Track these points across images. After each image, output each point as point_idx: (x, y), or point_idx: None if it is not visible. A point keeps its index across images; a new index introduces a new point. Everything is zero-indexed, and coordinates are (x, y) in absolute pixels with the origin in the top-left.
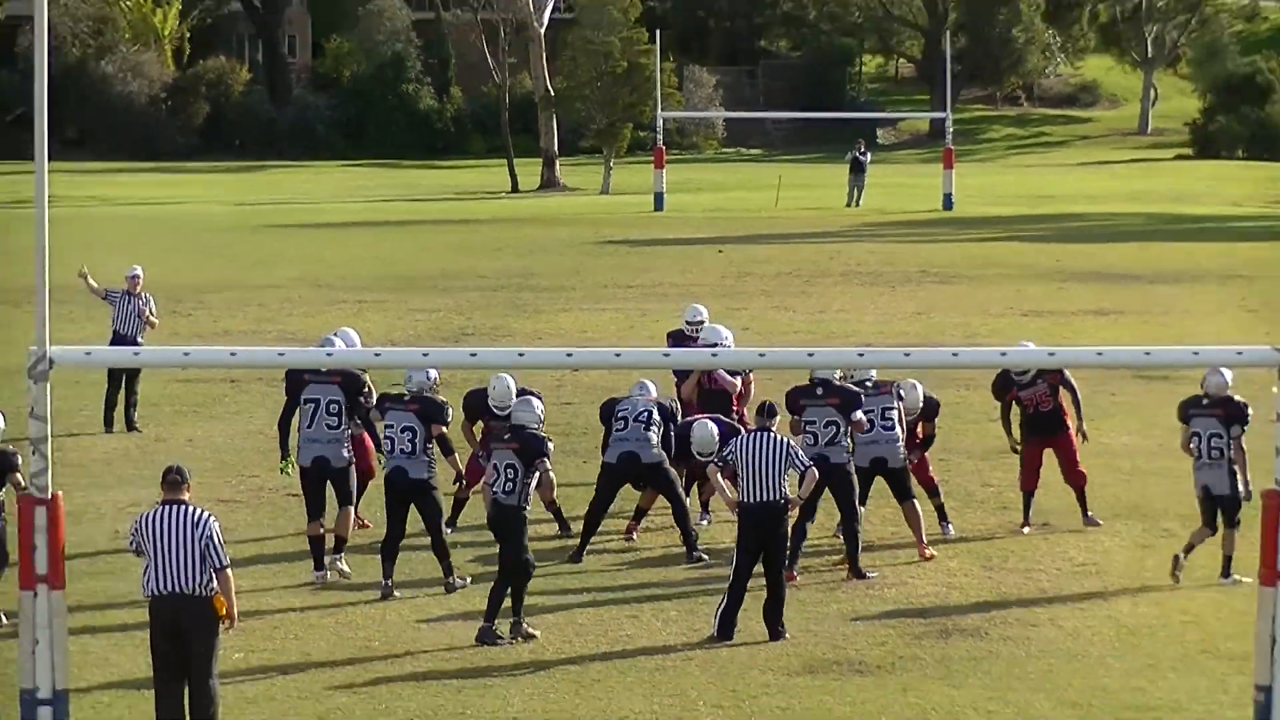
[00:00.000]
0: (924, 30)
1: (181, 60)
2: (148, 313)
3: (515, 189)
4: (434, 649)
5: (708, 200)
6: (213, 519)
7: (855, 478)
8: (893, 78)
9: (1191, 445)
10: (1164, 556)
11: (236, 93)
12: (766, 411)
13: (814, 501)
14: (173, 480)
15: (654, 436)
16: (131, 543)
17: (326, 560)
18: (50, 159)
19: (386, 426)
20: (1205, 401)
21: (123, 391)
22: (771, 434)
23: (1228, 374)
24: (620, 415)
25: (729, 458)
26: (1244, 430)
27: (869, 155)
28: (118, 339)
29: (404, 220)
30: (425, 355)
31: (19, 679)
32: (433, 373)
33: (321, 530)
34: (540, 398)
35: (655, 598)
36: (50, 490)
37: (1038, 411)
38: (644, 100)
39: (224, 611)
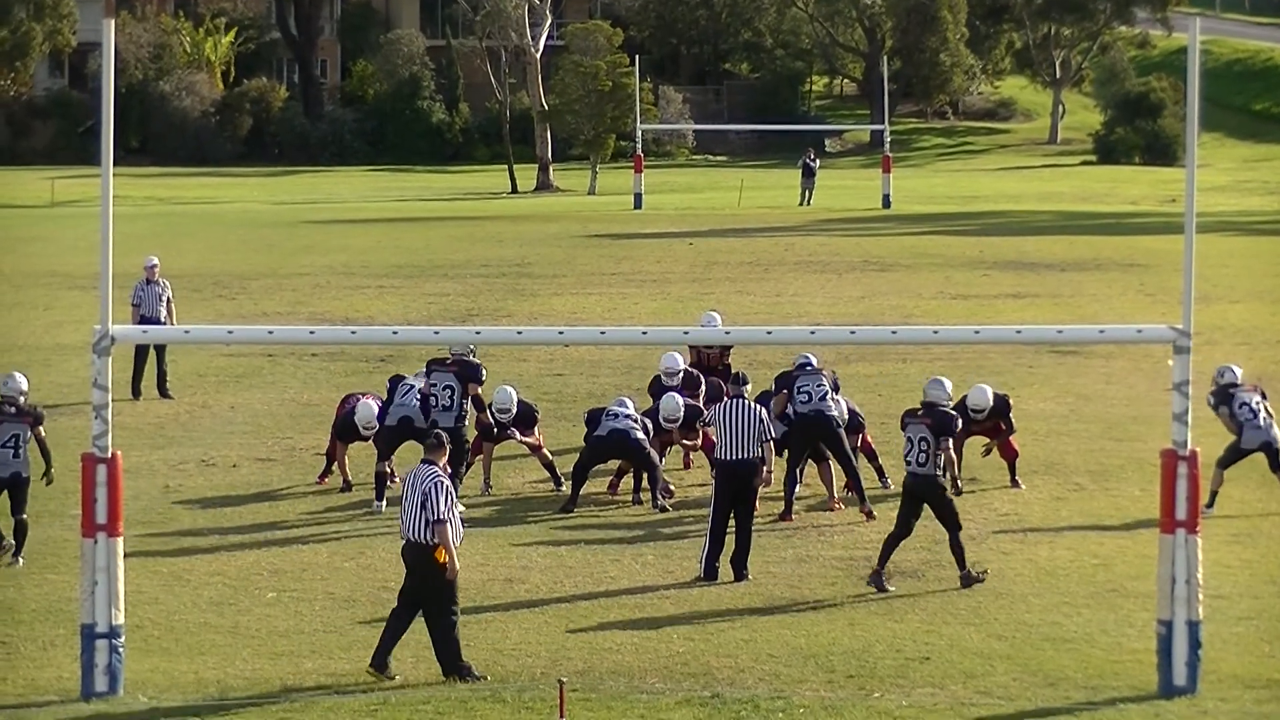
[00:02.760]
0: (864, 55)
1: (229, 80)
2: (166, 297)
3: (514, 190)
4: None
5: (680, 200)
6: (442, 478)
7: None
8: (838, 95)
9: (906, 451)
10: (1075, 508)
11: (276, 108)
12: (740, 380)
13: (801, 452)
14: (432, 444)
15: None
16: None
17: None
18: (115, 164)
19: (430, 385)
20: (920, 411)
21: (151, 364)
22: (745, 401)
23: (947, 385)
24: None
25: (709, 420)
26: (950, 439)
27: (818, 161)
28: (144, 320)
29: (418, 217)
30: (436, 334)
31: (80, 615)
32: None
33: (388, 469)
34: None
35: (635, 543)
36: (110, 450)
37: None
38: (625, 115)
39: (442, 559)
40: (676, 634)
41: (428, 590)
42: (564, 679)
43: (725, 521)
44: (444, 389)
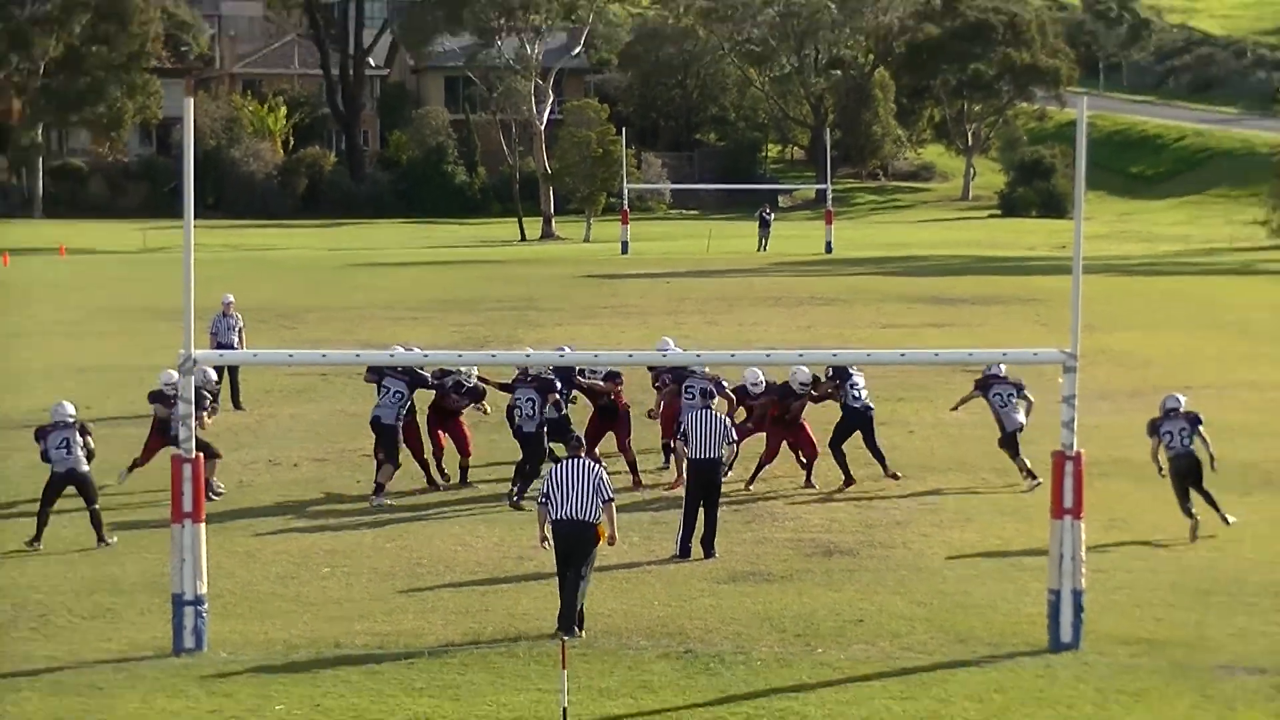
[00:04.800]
0: (810, 126)
1: (288, 148)
2: (239, 328)
3: (523, 239)
4: (465, 565)
5: (659, 246)
6: (603, 469)
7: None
8: (789, 160)
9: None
10: (982, 498)
11: (327, 171)
12: (708, 394)
13: (843, 438)
14: (574, 445)
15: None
16: (541, 494)
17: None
18: (194, 218)
19: (515, 397)
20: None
21: (227, 381)
22: (712, 411)
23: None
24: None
25: (683, 427)
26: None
27: (773, 214)
28: (220, 346)
29: (444, 261)
30: (460, 356)
31: (170, 586)
32: (474, 370)
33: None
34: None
35: (622, 528)
36: (194, 452)
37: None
38: (614, 176)
39: (604, 534)
40: (657, 601)
41: (582, 557)
42: (564, 638)
43: (696, 510)
44: (526, 401)
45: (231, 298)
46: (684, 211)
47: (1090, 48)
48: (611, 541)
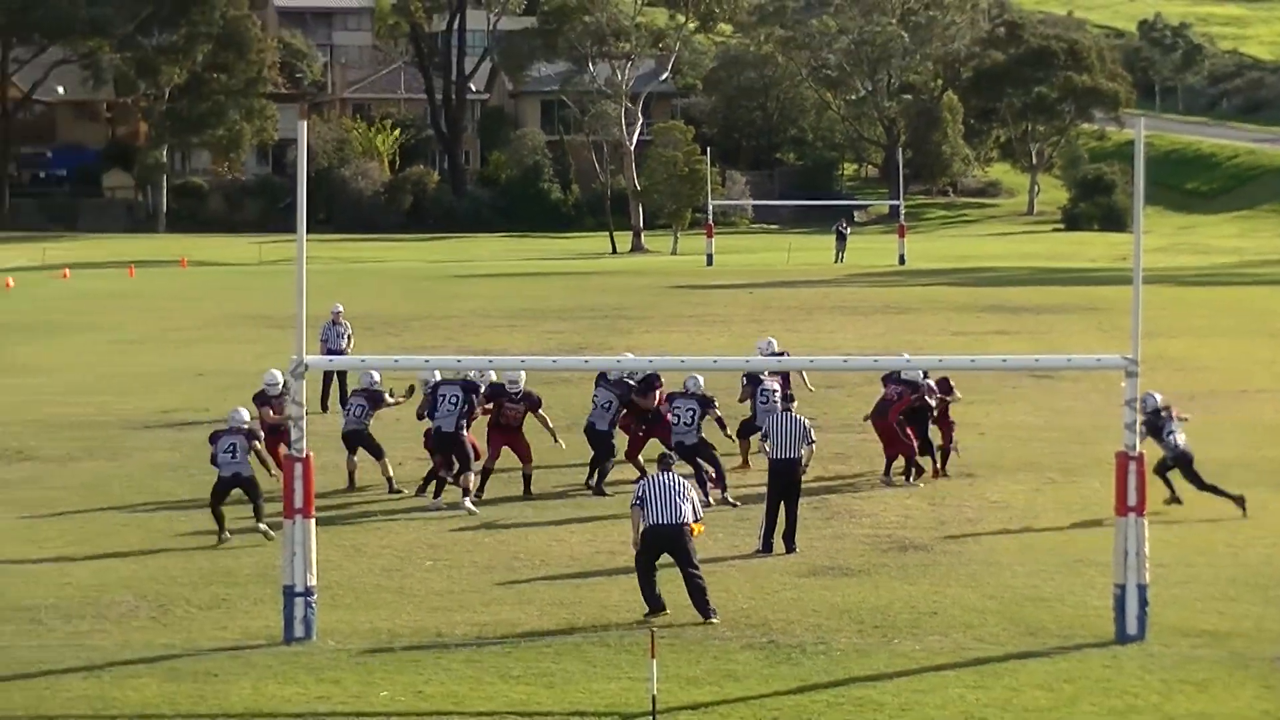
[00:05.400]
0: (884, 146)
1: (394, 167)
2: (347, 334)
3: (614, 251)
4: (559, 559)
5: (741, 259)
6: (689, 482)
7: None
8: (864, 177)
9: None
10: (1049, 497)
11: (430, 189)
12: (789, 398)
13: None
14: (665, 461)
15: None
16: (636, 497)
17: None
18: (307, 232)
19: (593, 399)
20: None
21: (335, 386)
22: (793, 413)
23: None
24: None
25: (764, 429)
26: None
27: (849, 228)
28: (330, 352)
29: (539, 272)
30: (555, 362)
31: (282, 578)
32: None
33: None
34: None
35: (707, 525)
36: (305, 451)
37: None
38: (699, 193)
39: (697, 531)
40: (741, 594)
41: (685, 554)
42: (654, 629)
43: (777, 507)
44: (605, 406)
45: (340, 307)
46: (765, 226)
47: (1146, 72)
48: (699, 534)
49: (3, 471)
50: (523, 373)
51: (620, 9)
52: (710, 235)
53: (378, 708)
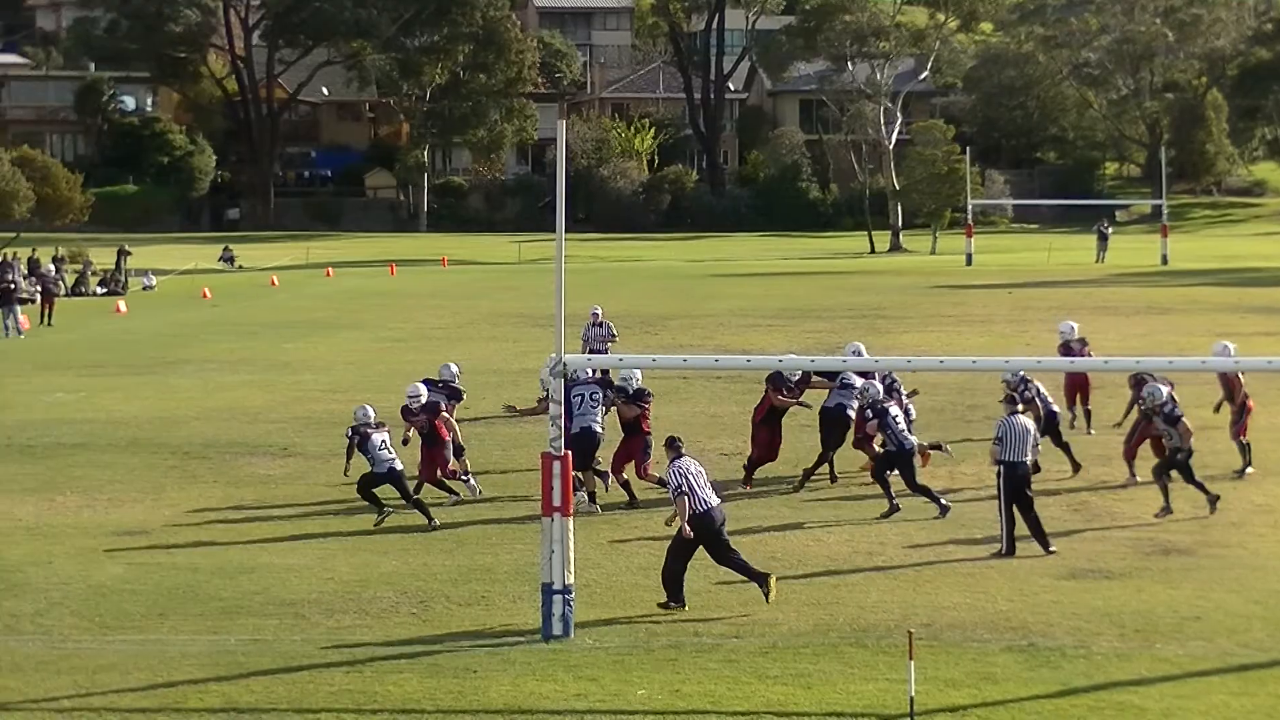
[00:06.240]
0: (1146, 145)
1: (652, 166)
2: (608, 335)
3: (872, 251)
4: (816, 559)
5: (1001, 259)
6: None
7: None
8: (1125, 177)
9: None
10: None
11: (688, 188)
12: (1012, 401)
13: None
14: (675, 444)
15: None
16: (675, 485)
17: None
18: (566, 231)
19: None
20: None
21: None
22: (1021, 418)
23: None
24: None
25: (1000, 433)
26: None
27: (1110, 228)
28: (591, 352)
29: (797, 272)
30: (812, 361)
31: (540, 575)
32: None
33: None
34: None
35: (963, 525)
36: (563, 450)
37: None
38: (958, 192)
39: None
40: (1000, 596)
41: (723, 543)
42: (912, 630)
43: (1011, 509)
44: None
45: (600, 309)
46: (1025, 225)
47: None
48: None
49: (268, 467)
50: (638, 372)
51: (880, 8)
52: (970, 235)
53: (635, 706)
